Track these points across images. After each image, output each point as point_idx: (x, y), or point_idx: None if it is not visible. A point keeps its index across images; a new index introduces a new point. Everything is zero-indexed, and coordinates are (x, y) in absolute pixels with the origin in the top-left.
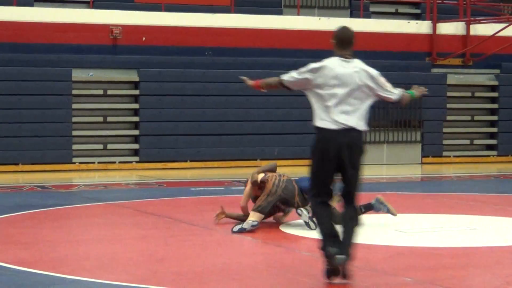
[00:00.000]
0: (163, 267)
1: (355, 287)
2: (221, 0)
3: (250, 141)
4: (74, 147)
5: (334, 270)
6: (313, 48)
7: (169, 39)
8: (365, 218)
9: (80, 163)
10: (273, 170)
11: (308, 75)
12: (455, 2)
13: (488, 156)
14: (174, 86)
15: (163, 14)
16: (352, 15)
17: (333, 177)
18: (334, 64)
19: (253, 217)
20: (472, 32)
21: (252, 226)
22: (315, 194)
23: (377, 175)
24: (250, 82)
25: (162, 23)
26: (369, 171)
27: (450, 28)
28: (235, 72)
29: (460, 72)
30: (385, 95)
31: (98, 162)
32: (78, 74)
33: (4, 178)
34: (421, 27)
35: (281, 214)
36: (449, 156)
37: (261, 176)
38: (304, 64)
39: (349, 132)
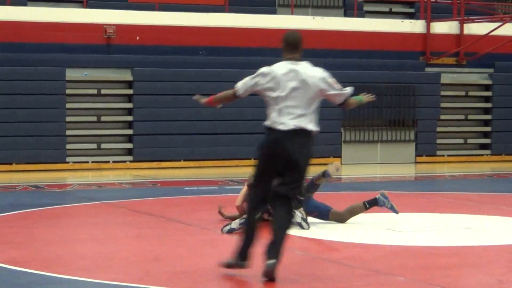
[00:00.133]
0: (157, 266)
1: (349, 286)
2: (215, 0)
3: (244, 141)
4: (68, 146)
5: (231, 265)
6: (306, 47)
7: (163, 38)
8: (360, 216)
9: (74, 162)
10: None
11: (258, 79)
12: (449, 1)
13: (482, 155)
14: (168, 85)
15: (157, 14)
16: (346, 14)
17: (275, 177)
18: (282, 68)
19: (244, 216)
20: (466, 31)
21: (240, 224)
22: (254, 195)
23: (371, 174)
24: (203, 100)
25: (156, 23)
26: (363, 170)
27: (444, 27)
28: (229, 72)
29: (454, 71)
30: (335, 96)
31: (92, 162)
32: (72, 74)
33: None
34: (415, 26)
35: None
36: (443, 155)
37: None
38: None
39: (298, 133)
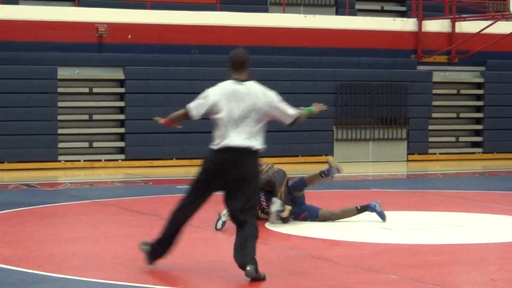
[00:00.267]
0: (149, 265)
1: (341, 284)
2: None
3: None
4: (60, 145)
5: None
6: (298, 45)
7: (155, 37)
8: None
9: (66, 161)
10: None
11: (204, 101)
12: None
13: (474, 153)
14: (160, 84)
15: (149, 12)
16: (337, 13)
17: (210, 195)
18: (227, 88)
19: None
20: (457, 30)
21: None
22: (184, 202)
23: (362, 173)
24: (161, 121)
25: (148, 21)
26: (355, 169)
27: (435, 25)
28: (220, 70)
29: (445, 70)
30: (280, 118)
31: (84, 160)
32: (63, 72)
33: None
34: (407, 24)
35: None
36: (435, 154)
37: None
38: (288, 62)
39: (242, 153)
